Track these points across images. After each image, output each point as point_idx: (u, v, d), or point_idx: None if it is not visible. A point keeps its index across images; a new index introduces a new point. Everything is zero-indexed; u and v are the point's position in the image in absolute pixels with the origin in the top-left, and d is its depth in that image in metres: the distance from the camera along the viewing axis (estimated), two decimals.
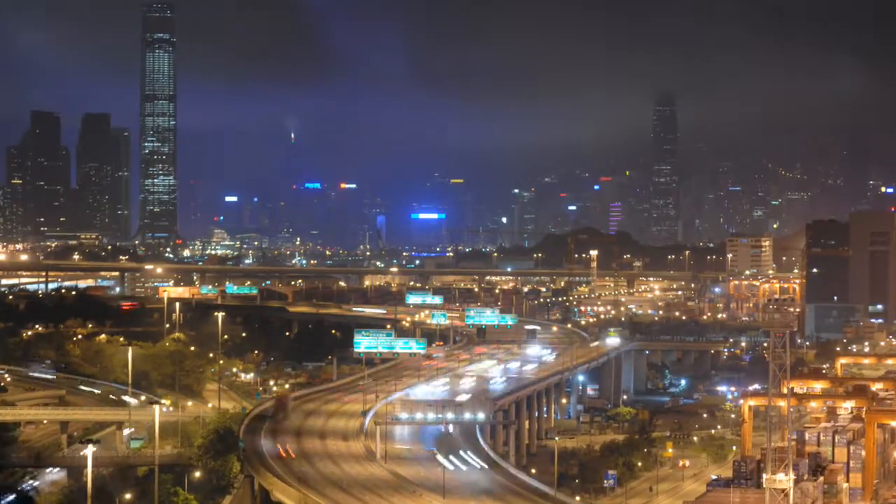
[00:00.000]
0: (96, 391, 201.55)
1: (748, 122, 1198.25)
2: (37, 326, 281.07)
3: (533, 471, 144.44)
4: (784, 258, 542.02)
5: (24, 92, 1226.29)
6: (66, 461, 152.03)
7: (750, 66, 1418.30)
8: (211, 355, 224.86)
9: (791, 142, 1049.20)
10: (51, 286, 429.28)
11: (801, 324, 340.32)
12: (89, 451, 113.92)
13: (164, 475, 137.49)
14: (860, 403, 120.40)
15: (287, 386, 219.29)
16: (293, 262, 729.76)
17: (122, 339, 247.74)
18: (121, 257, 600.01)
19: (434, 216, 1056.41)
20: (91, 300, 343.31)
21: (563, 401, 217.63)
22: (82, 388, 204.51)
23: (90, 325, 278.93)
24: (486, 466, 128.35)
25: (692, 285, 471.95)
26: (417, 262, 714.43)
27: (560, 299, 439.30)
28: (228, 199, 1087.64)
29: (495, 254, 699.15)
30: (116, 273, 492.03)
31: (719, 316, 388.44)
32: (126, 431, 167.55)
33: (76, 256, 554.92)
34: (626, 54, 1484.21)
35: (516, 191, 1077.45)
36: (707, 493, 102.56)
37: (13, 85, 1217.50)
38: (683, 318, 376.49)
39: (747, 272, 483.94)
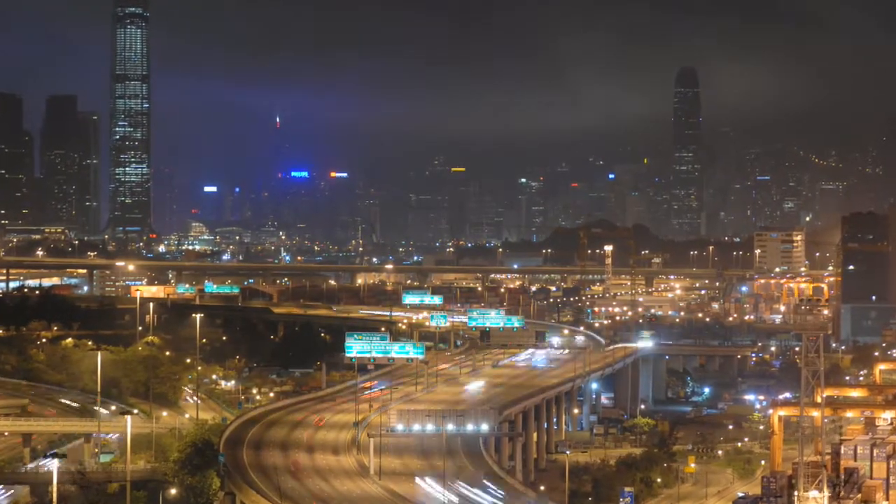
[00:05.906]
0: (75, 404, 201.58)
1: (778, 105, 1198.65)
2: None
3: (542, 487, 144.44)
4: (817, 254, 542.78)
5: None
6: (28, 477, 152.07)
7: (781, 45, 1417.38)
8: (188, 361, 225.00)
9: (825, 126, 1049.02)
10: (12, 285, 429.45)
11: (835, 326, 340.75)
12: (54, 465, 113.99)
13: (137, 492, 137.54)
14: None
15: (272, 395, 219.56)
16: (278, 258, 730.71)
17: (90, 342, 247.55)
18: (89, 253, 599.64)
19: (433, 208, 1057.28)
20: (56, 300, 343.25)
21: (576, 410, 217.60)
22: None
23: (55, 328, 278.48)
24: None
25: (717, 284, 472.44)
26: (415, 258, 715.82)
27: (571, 299, 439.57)
28: (207, 189, 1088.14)
29: (500, 249, 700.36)
30: (84, 270, 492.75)
31: (746, 318, 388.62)
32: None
33: (40, 252, 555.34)
34: (644, 29, 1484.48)
35: (523, 180, 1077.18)
36: None
37: None
38: (707, 319, 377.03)
39: (777, 269, 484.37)
